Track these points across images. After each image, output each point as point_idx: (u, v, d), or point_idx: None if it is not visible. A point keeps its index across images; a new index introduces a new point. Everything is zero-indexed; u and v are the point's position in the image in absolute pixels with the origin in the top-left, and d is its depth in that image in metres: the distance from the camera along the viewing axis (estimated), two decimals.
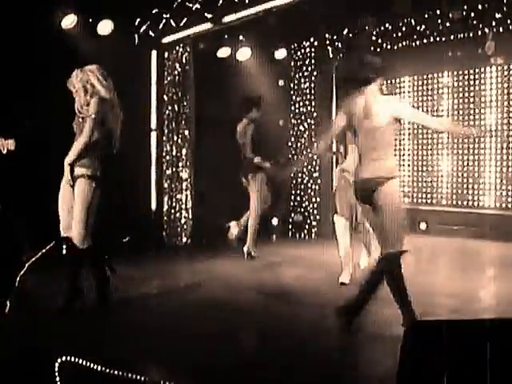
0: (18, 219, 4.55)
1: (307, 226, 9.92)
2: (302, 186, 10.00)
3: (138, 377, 3.52)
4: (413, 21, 8.59)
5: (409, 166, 10.89)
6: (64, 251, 4.98)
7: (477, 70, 9.98)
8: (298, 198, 10.05)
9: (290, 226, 10.11)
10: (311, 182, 9.92)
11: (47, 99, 7.04)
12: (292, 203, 10.12)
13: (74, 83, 5.06)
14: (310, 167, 9.91)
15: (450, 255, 8.55)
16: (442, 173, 10.40)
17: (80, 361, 2.69)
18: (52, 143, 7.67)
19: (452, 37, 8.72)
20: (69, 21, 7.57)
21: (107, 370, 3.55)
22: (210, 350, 4.08)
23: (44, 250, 4.53)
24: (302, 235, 9.92)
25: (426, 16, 8.42)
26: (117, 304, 5.23)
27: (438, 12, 8.29)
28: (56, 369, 2.63)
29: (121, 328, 4.66)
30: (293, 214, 10.07)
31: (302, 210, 9.98)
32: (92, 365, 3.12)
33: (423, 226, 10.09)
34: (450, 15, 8.17)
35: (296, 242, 9.68)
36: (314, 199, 9.92)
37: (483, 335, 2.08)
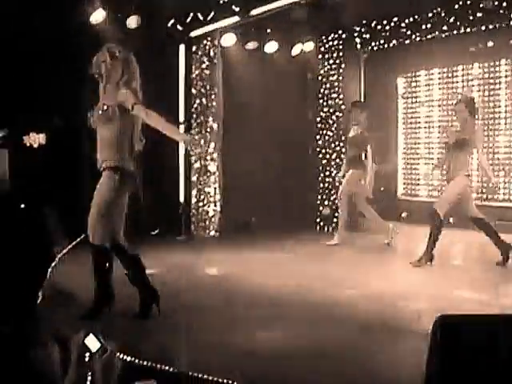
0: (49, 211, 4.59)
1: (335, 219, 9.88)
2: (330, 179, 9.95)
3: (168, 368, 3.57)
4: (442, 12, 8.48)
5: (438, 159, 10.76)
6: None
7: (508, 61, 9.82)
8: (326, 191, 10.01)
9: (318, 220, 10.07)
10: (339, 174, 9.87)
11: (77, 95, 7.13)
12: (320, 196, 10.08)
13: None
14: (338, 160, 9.86)
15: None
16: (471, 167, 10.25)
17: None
18: (81, 138, 7.77)
19: (483, 27, 8.59)
20: (98, 16, 7.64)
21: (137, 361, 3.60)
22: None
23: (74, 243, 4.58)
24: (330, 228, 9.88)
25: (456, 6, 8.31)
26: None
27: (469, 2, 8.17)
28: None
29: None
30: (321, 208, 10.04)
31: (330, 203, 9.94)
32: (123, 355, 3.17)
33: (451, 219, 9.94)
34: (481, 5, 8.05)
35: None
36: None
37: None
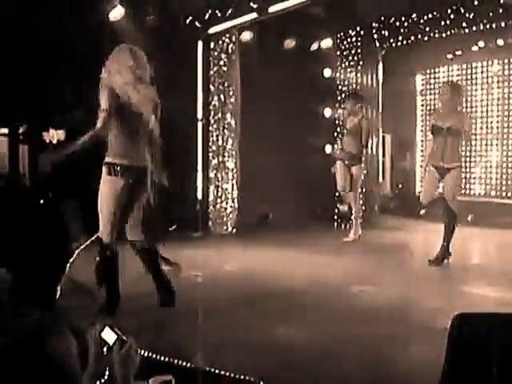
0: (67, 207, 4.66)
1: (352, 216, 9.83)
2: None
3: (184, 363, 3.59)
4: (461, 8, 8.40)
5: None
6: None
7: None
8: None
9: (336, 217, 10.04)
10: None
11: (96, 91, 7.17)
12: (337, 193, 10.04)
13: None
14: None
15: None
16: (491, 163, 10.18)
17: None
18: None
19: (503, 23, 8.50)
20: (117, 13, 7.69)
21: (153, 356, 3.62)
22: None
23: (93, 238, 4.62)
24: (348, 225, 9.84)
25: (476, 2, 8.23)
26: None
27: None
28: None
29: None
30: (338, 204, 10.00)
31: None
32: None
33: (470, 217, 9.87)
34: (501, 1, 7.97)
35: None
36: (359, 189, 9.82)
37: None
